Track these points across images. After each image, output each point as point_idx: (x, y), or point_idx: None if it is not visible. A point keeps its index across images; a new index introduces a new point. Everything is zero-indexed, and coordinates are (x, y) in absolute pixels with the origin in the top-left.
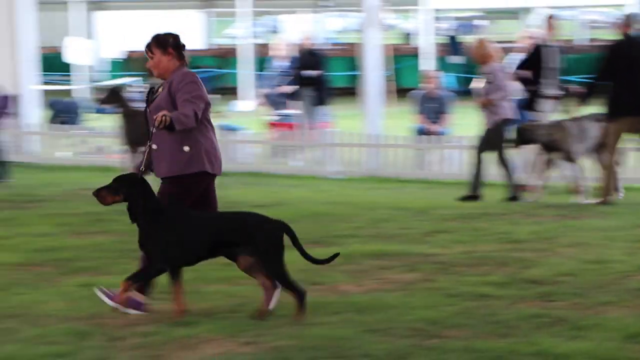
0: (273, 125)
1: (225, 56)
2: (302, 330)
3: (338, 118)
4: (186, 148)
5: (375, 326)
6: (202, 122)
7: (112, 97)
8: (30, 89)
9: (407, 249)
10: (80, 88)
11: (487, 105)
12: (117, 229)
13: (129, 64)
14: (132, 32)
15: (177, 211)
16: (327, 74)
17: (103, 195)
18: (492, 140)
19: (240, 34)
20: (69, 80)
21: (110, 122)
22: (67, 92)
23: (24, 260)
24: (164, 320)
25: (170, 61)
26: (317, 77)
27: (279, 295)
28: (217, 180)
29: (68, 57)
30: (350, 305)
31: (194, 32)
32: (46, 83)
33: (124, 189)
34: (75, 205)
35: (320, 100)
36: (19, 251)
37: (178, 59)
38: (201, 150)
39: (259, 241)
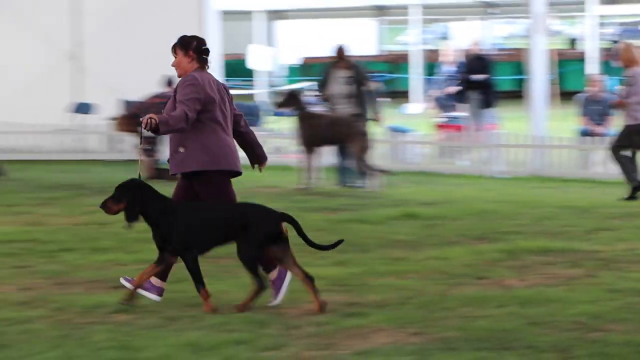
0: (441, 127)
1: (397, 62)
2: (468, 322)
3: (504, 120)
4: (181, 149)
5: (538, 319)
6: (203, 122)
7: (290, 101)
8: None
9: (570, 246)
10: (260, 92)
11: (622, 107)
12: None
13: (305, 69)
14: (309, 40)
15: (184, 206)
16: (493, 77)
17: (109, 205)
18: (631, 139)
19: (411, 40)
20: (250, 85)
21: (287, 124)
22: (249, 96)
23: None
24: (336, 311)
25: (190, 63)
26: (484, 81)
27: (286, 290)
28: (388, 179)
29: (250, 63)
30: (514, 299)
31: (367, 39)
32: (230, 88)
33: (125, 195)
34: (256, 201)
35: (487, 103)
36: None
37: (198, 62)
38: (198, 149)
39: (251, 229)
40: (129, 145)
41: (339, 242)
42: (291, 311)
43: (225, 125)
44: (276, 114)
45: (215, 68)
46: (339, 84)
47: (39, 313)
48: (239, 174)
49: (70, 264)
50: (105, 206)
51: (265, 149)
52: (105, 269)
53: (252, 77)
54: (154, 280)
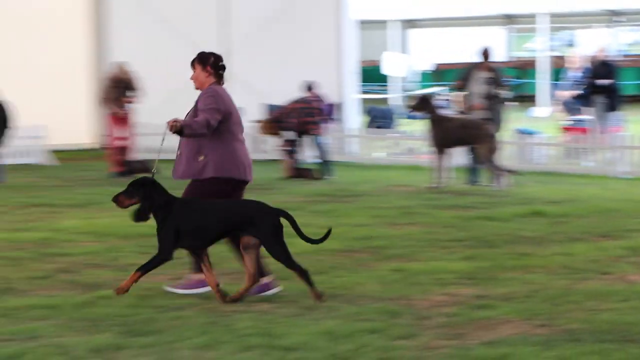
0: (567, 129)
1: (525, 67)
2: (592, 315)
3: (628, 123)
4: (200, 157)
5: None
6: (222, 133)
7: (422, 104)
8: (352, 98)
9: None
10: (394, 97)
11: None
12: (425, 221)
13: (437, 75)
14: (440, 47)
15: (187, 203)
16: (618, 82)
17: (121, 199)
18: None
19: (539, 47)
20: (385, 90)
21: (420, 127)
22: (384, 100)
23: (344, 247)
24: (465, 303)
25: (208, 77)
26: (609, 86)
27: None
28: (515, 179)
29: (385, 69)
30: (637, 294)
31: (496, 46)
32: (365, 92)
33: (137, 191)
34: (389, 200)
35: (611, 107)
36: (340, 239)
37: (214, 77)
38: (215, 159)
39: (258, 225)
40: (271, 146)
41: (327, 234)
42: (422, 303)
43: (241, 136)
44: (409, 117)
45: (351, 74)
46: (478, 84)
47: (188, 301)
48: (247, 182)
49: (217, 256)
50: (118, 200)
51: (398, 149)
52: None
53: (386, 82)
54: (265, 278)
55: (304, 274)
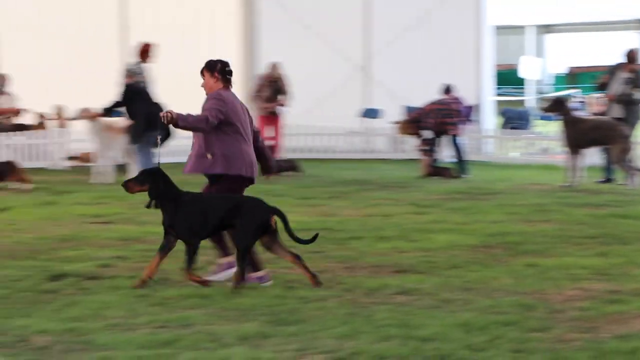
0: None
1: None
2: None
3: None
4: (208, 155)
5: None
6: (228, 133)
7: (555, 106)
8: (488, 100)
9: None
10: (530, 99)
11: None
12: (559, 218)
13: (571, 78)
14: (575, 51)
15: (191, 196)
16: None
17: (130, 185)
18: None
19: None
20: (521, 93)
21: (554, 127)
22: (519, 103)
23: (479, 243)
24: (598, 298)
25: (216, 83)
26: None
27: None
28: None
29: (521, 72)
30: None
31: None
32: (501, 95)
33: (147, 179)
34: (524, 197)
35: None
36: (475, 235)
37: (222, 82)
38: (221, 156)
39: (244, 219)
40: (410, 146)
41: (315, 236)
42: (555, 297)
43: (247, 137)
44: (543, 118)
45: (489, 77)
46: (619, 84)
47: (330, 293)
48: (252, 181)
49: (357, 250)
50: (127, 185)
51: (533, 149)
52: (388, 255)
53: (522, 85)
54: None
55: (242, 276)
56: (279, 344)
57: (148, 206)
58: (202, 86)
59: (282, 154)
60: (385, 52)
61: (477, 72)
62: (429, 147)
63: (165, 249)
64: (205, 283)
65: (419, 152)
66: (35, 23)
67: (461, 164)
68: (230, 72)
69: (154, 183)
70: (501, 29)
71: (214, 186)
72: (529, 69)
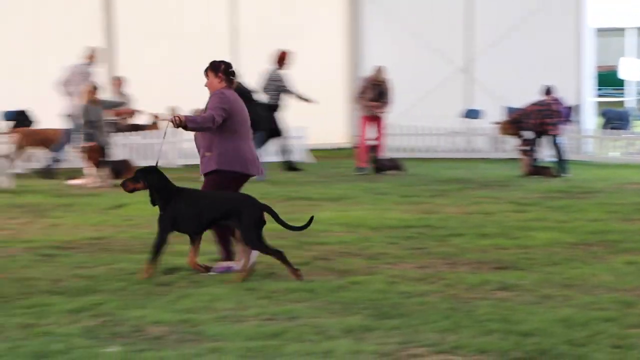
0: None
1: None
2: None
3: None
4: (207, 153)
5: None
6: (227, 131)
7: None
8: (588, 101)
9: None
10: (630, 100)
11: None
12: None
13: None
14: None
15: (185, 192)
16: None
17: (127, 184)
18: None
19: None
20: (621, 94)
21: None
22: (619, 103)
23: (579, 240)
24: None
25: (220, 83)
26: None
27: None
28: None
29: (622, 74)
30: None
31: None
32: (601, 96)
33: (143, 177)
34: (623, 196)
35: None
36: (575, 233)
37: (225, 82)
38: (218, 153)
39: (242, 216)
40: (510, 145)
41: (310, 221)
42: None
43: (246, 135)
44: None
45: (589, 79)
46: None
47: (432, 288)
48: (248, 177)
49: (459, 247)
50: (124, 184)
51: (633, 149)
52: (489, 252)
53: (622, 86)
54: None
55: (279, 254)
56: (382, 337)
57: (153, 204)
58: (206, 86)
59: (386, 154)
60: (487, 54)
61: (577, 73)
62: (530, 147)
63: (194, 242)
64: (205, 269)
65: (520, 151)
66: (150, 26)
67: (561, 164)
68: (233, 73)
69: (150, 181)
70: (602, 31)
71: (205, 180)
72: (629, 70)
